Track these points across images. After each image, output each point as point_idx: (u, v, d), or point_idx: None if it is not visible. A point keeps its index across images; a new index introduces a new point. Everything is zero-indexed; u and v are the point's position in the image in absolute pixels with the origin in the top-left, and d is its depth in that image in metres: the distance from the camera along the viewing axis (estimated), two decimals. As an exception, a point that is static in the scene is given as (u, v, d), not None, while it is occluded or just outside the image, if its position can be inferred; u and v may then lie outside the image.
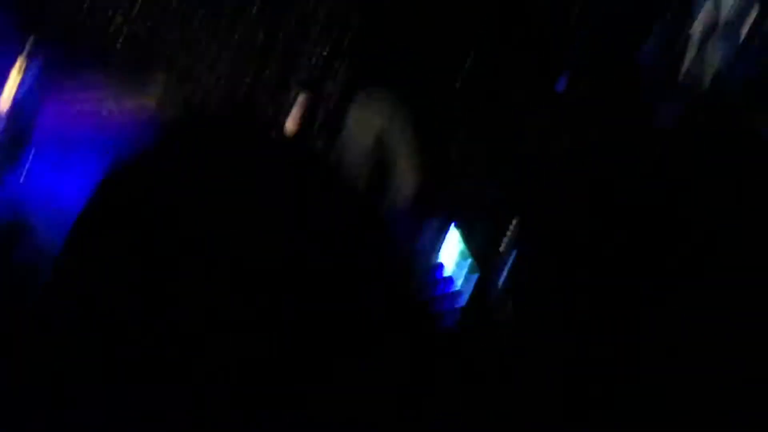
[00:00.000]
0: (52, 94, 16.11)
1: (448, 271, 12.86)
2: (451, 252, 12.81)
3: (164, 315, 1.09)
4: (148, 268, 1.07)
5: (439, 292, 12.65)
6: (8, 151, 14.59)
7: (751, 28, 11.92)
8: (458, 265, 12.72)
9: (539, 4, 13.21)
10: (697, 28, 11.78)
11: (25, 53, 14.69)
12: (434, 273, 12.92)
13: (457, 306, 12.33)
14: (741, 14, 11.84)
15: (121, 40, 18.12)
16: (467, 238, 12.51)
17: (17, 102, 14.57)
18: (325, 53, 15.73)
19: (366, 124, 15.35)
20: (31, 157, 14.84)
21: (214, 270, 1.09)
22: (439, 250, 13.02)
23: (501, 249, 10.77)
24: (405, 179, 14.94)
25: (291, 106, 13.95)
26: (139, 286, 1.08)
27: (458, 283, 12.60)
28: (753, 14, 11.88)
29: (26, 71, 14.72)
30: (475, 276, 12.09)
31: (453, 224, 12.68)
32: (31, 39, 14.80)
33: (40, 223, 13.16)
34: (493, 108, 13.11)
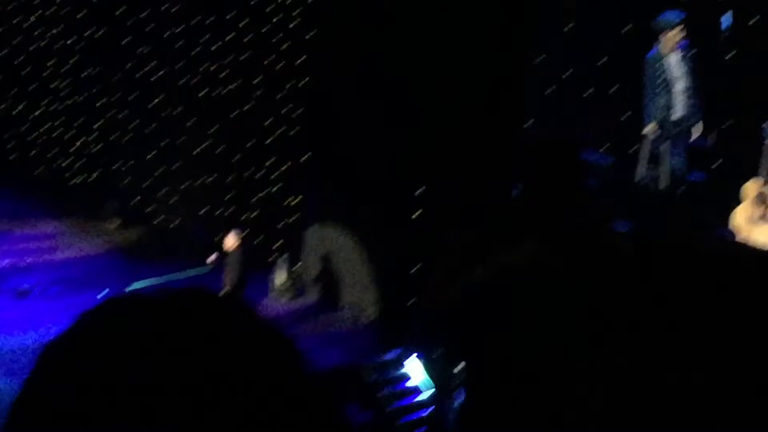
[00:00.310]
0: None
1: (413, 383, 12.84)
2: (416, 372, 12.86)
3: None
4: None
5: (405, 402, 12.63)
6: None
7: (701, 133, 12.09)
8: (422, 384, 12.75)
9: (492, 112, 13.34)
10: (651, 130, 11.92)
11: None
12: (400, 384, 12.91)
13: (421, 416, 12.32)
14: (691, 116, 12.00)
15: (76, 184, 18.15)
16: (427, 366, 12.55)
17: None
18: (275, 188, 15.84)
19: (323, 239, 15.41)
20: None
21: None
22: (404, 365, 13.00)
23: (456, 375, 10.75)
24: (359, 287, 14.97)
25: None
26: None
27: (423, 395, 12.60)
28: (701, 119, 12.05)
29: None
30: (435, 396, 12.14)
31: (416, 354, 12.75)
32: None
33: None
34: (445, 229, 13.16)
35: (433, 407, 12.05)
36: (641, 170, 11.99)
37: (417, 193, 13.84)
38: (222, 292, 12.35)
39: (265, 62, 15.68)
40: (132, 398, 1.19)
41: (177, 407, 1.19)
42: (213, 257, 14.09)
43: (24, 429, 1.23)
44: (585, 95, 12.94)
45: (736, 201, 10.83)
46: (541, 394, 1.32)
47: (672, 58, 11.73)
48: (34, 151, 18.50)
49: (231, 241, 13.95)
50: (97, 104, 17.68)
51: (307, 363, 1.30)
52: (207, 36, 16.25)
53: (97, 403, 1.19)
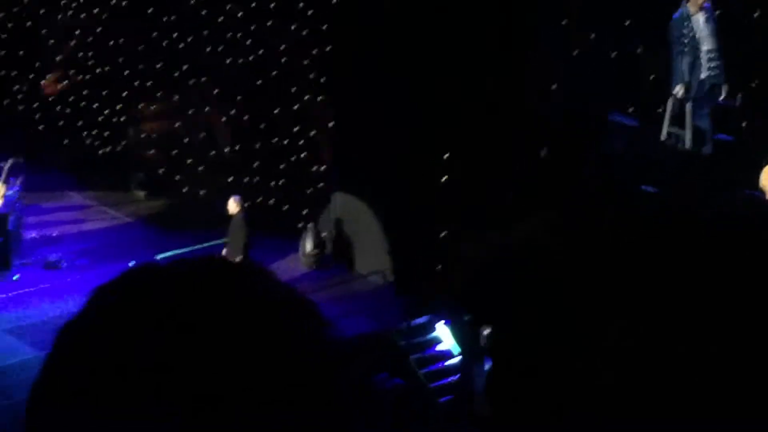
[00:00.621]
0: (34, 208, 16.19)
1: (443, 347, 12.90)
2: (445, 338, 12.89)
3: None
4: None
5: (436, 367, 12.70)
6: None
7: (727, 93, 12.01)
8: (452, 349, 12.79)
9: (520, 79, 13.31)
10: (677, 91, 11.85)
11: (6, 172, 14.86)
12: (430, 349, 12.97)
13: (451, 380, 12.38)
14: (717, 76, 11.92)
15: (102, 156, 18.19)
16: (455, 332, 12.57)
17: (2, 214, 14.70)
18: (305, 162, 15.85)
19: (347, 207, 15.47)
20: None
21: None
22: (434, 329, 13.04)
23: (482, 344, 10.82)
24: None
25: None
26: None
27: (452, 359, 12.64)
28: (726, 77, 11.97)
29: (9, 188, 14.88)
30: (463, 362, 12.18)
31: (445, 321, 12.78)
32: (11, 160, 15.01)
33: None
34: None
35: (462, 372, 12.09)
36: (666, 131, 11.93)
37: (439, 162, 13.82)
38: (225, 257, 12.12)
39: (289, 30, 15.64)
40: (143, 377, 1.19)
41: (187, 386, 1.19)
42: (224, 252, 13.78)
43: (42, 410, 1.24)
44: (611, 57, 12.86)
45: (765, 161, 10.74)
46: (552, 380, 1.31)
47: (698, 19, 11.63)
48: (60, 123, 18.55)
49: (232, 207, 13.94)
50: (123, 75, 17.70)
51: (330, 326, 1.28)
52: (230, 4, 16.22)
53: (108, 383, 1.19)
